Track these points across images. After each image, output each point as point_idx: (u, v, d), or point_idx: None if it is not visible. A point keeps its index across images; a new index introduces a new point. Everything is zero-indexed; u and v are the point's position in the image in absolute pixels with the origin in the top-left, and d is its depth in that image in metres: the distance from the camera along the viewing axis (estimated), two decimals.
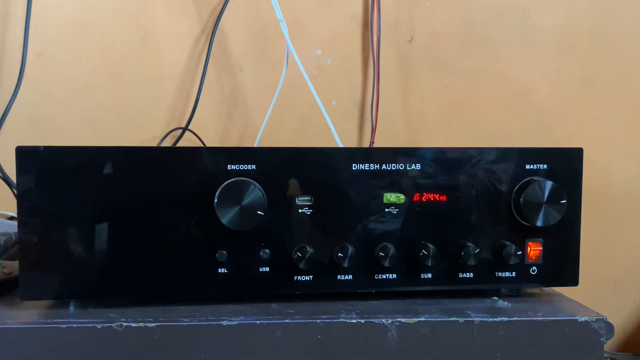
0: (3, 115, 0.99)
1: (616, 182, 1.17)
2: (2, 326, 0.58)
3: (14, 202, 0.66)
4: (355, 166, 0.65)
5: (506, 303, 0.67)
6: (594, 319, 0.63)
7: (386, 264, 0.64)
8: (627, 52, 1.16)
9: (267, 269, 0.64)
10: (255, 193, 0.62)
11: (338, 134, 0.96)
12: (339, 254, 0.64)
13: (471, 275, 0.67)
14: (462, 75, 1.14)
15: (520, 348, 0.62)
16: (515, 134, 1.14)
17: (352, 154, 0.66)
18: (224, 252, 0.63)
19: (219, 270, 0.64)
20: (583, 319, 0.63)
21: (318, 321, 0.61)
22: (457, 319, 0.62)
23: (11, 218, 0.96)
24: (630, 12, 1.15)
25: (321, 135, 1.04)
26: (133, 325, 0.59)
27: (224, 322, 0.60)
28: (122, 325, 0.59)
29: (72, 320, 0.59)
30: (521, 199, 0.66)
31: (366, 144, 1.11)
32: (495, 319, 0.62)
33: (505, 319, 0.62)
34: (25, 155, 0.61)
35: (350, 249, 0.64)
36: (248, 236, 0.64)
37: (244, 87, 1.10)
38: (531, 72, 1.15)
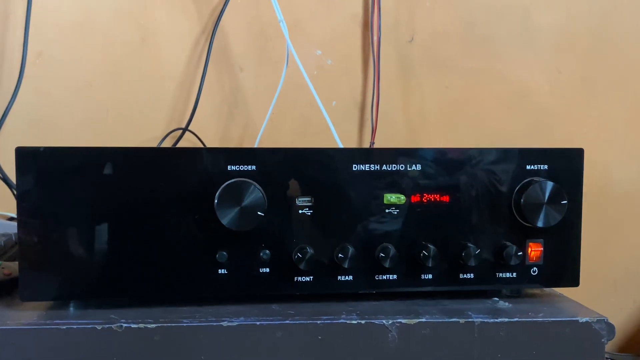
0: (3, 115, 0.99)
1: (616, 182, 1.17)
2: (2, 327, 0.58)
3: (13, 202, 0.66)
4: (355, 167, 0.65)
5: (507, 304, 0.67)
6: (594, 320, 0.63)
7: (387, 264, 0.64)
8: (628, 52, 1.16)
9: (268, 269, 0.64)
10: (255, 194, 0.62)
11: (338, 135, 0.96)
12: (340, 255, 0.64)
13: (472, 276, 0.67)
14: (463, 75, 1.13)
15: (521, 349, 0.62)
16: (515, 134, 1.14)
17: (352, 155, 0.66)
18: (224, 252, 0.63)
19: (219, 271, 0.64)
20: (584, 319, 0.63)
21: (318, 322, 0.61)
22: (457, 319, 0.62)
23: (11, 219, 0.96)
24: (631, 12, 1.15)
25: (321, 135, 1.04)
26: (133, 326, 0.59)
27: (224, 323, 0.60)
28: (122, 326, 0.59)
29: (72, 321, 0.59)
30: (522, 200, 0.66)
31: (366, 145, 1.11)
32: (496, 320, 0.62)
33: (506, 319, 0.62)
34: (25, 156, 0.61)
35: (351, 250, 0.64)
36: (248, 237, 0.64)
37: (244, 88, 1.10)
38: (531, 72, 1.15)
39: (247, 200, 0.62)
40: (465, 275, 0.67)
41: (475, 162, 0.67)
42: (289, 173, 0.64)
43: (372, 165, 0.65)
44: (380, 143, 1.09)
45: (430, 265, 0.65)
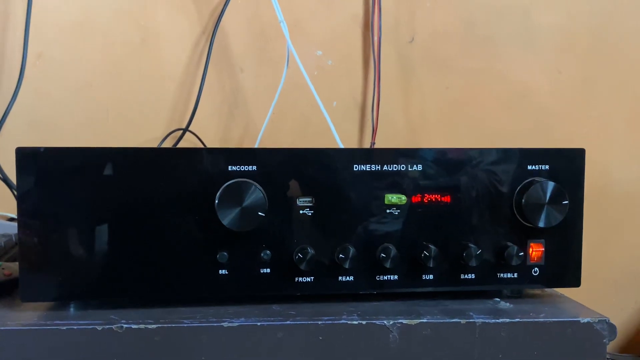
0: (3, 116, 0.99)
1: (617, 182, 1.17)
2: (3, 328, 0.58)
3: (14, 203, 0.66)
4: (356, 167, 0.65)
5: (508, 304, 0.67)
6: (596, 320, 0.62)
7: (387, 265, 0.64)
8: (628, 53, 1.16)
9: (268, 270, 0.64)
10: (256, 194, 0.62)
11: (339, 135, 0.96)
12: (340, 255, 0.64)
13: (473, 276, 0.67)
14: (463, 75, 1.13)
15: (522, 349, 0.62)
16: (515, 135, 1.14)
17: (353, 155, 0.66)
18: (225, 253, 0.63)
19: (220, 271, 0.64)
20: (585, 320, 0.63)
21: (319, 322, 0.61)
22: (458, 320, 0.62)
23: (11, 219, 0.96)
24: (631, 13, 1.15)
25: (322, 136, 1.04)
26: (133, 326, 0.59)
27: (225, 324, 0.60)
28: (122, 326, 0.59)
29: (72, 321, 0.59)
30: (523, 200, 0.65)
31: (367, 145, 1.11)
32: (497, 320, 0.62)
33: (507, 320, 0.62)
34: (26, 157, 0.61)
35: (352, 250, 0.64)
36: (249, 237, 0.63)
37: (245, 88, 1.10)
38: (532, 73, 1.15)
39: (248, 201, 0.62)
40: (466, 276, 0.67)
41: (476, 162, 0.67)
42: (290, 173, 0.64)
43: (372, 166, 0.65)
44: (380, 143, 1.09)
45: (431, 265, 0.65)
